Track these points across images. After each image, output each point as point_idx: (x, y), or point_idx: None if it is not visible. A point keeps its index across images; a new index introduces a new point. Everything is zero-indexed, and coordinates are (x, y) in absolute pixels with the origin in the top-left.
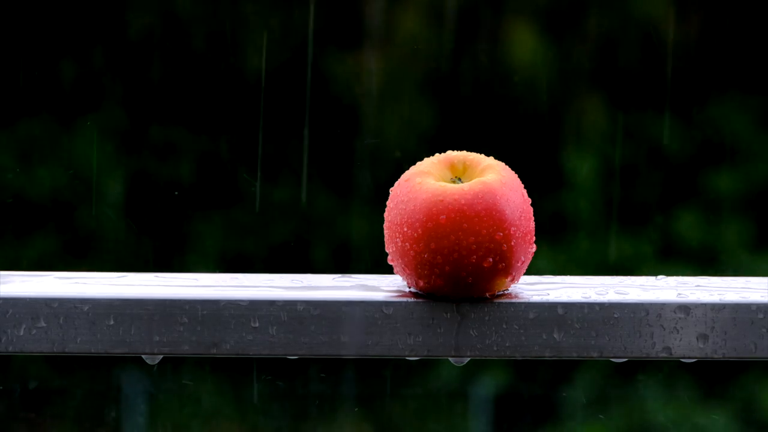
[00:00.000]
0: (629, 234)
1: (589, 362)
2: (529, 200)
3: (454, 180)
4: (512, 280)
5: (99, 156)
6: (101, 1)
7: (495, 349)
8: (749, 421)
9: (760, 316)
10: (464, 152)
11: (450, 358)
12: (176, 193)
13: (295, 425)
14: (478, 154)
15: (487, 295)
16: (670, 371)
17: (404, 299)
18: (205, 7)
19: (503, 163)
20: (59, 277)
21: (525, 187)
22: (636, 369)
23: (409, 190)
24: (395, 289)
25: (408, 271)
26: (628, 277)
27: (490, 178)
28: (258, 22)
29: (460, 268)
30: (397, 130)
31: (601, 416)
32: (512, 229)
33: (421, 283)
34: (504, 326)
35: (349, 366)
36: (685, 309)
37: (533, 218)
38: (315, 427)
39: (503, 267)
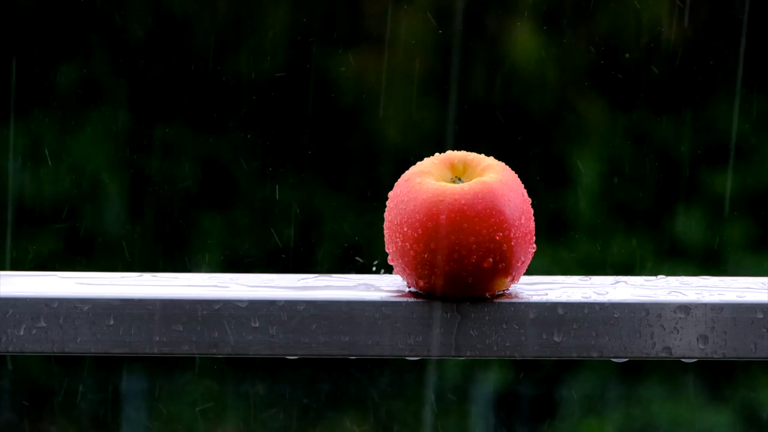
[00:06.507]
0: (629, 234)
1: (589, 362)
2: (529, 200)
3: (454, 180)
4: (512, 280)
5: (101, 156)
6: (102, 1)
7: (495, 349)
8: (749, 421)
9: (760, 316)
10: (464, 152)
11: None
12: (177, 193)
13: (295, 425)
14: (478, 154)
15: (487, 295)
16: (671, 371)
17: (404, 299)
18: (206, 7)
19: (503, 163)
20: (59, 277)
21: (525, 187)
22: (636, 368)
23: (409, 190)
24: (395, 289)
25: (408, 271)
26: (628, 277)
27: (490, 178)
28: (259, 22)
29: (460, 268)
30: (398, 130)
31: (601, 415)
32: (512, 229)
33: (421, 283)
34: (504, 326)
35: (349, 366)
36: (685, 309)
37: (533, 218)
38: (315, 427)
39: (503, 267)
